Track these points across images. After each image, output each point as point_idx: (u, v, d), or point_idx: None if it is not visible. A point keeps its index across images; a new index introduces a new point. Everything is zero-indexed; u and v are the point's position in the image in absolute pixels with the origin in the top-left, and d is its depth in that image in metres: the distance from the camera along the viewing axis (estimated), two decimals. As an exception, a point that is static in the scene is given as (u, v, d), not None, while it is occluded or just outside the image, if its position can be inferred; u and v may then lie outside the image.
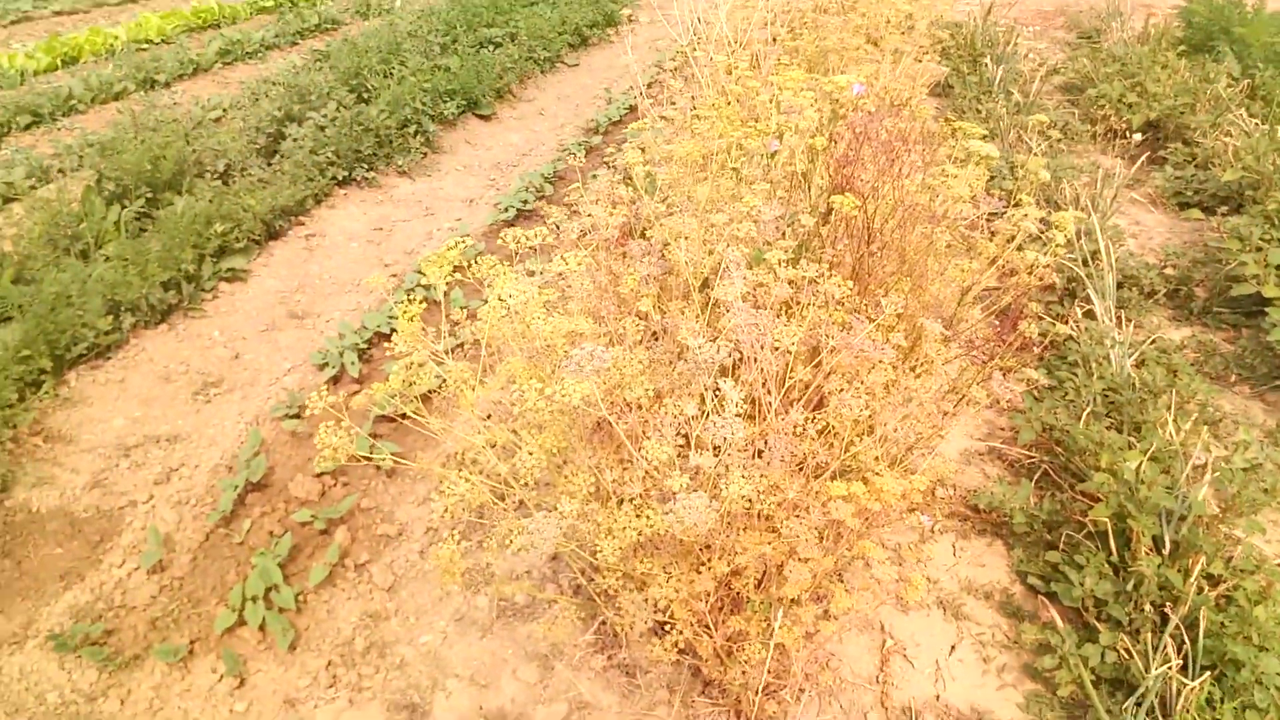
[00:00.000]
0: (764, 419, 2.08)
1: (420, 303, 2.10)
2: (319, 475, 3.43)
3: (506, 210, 5.62)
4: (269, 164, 5.78)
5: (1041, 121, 3.40)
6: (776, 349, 1.97)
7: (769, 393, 2.04)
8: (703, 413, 1.91)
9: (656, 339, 2.31)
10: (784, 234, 2.43)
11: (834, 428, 2.03)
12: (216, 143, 5.65)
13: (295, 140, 5.86)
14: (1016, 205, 2.49)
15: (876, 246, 2.39)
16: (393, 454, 2.29)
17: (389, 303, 4.55)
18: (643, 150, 2.95)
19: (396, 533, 3.22)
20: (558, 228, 2.48)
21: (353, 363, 4.01)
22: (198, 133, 5.83)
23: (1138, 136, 6.23)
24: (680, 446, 1.95)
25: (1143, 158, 5.84)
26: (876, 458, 2.13)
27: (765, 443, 1.98)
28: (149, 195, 5.05)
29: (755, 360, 1.97)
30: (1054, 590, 2.79)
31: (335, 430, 1.92)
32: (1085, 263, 4.16)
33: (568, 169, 6.40)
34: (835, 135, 2.74)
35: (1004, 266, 2.48)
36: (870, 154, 2.35)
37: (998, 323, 2.41)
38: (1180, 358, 3.82)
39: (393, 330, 2.07)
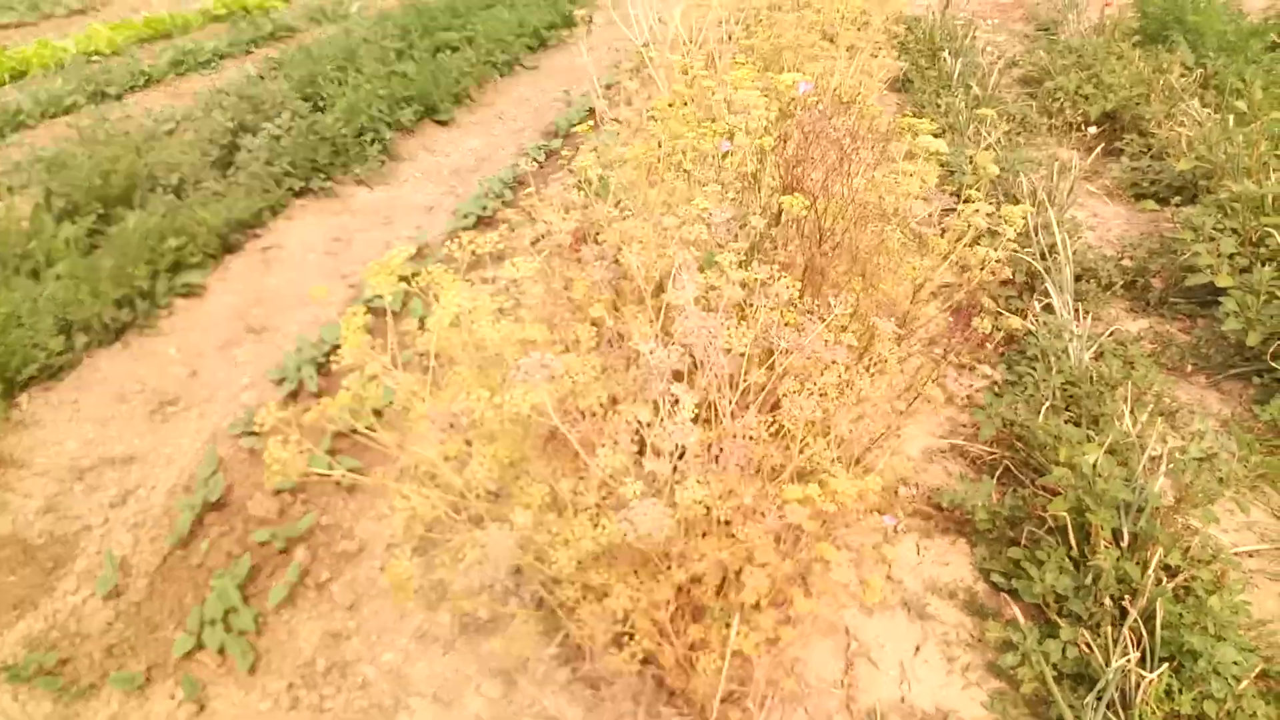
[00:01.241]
0: (719, 423, 2.06)
1: (366, 313, 2.06)
2: (278, 493, 3.37)
3: (466, 217, 5.57)
4: (224, 176, 5.68)
5: (989, 114, 3.40)
6: (729, 352, 1.95)
7: (723, 397, 2.02)
8: (657, 418, 1.89)
9: (611, 345, 2.29)
10: (735, 236, 2.42)
11: (789, 430, 2.02)
12: (169, 156, 5.55)
13: (250, 151, 5.78)
14: (968, 201, 2.49)
15: (828, 246, 2.38)
16: (351, 469, 2.25)
17: (347, 315, 4.49)
18: (597, 154, 2.92)
19: (357, 549, 3.18)
20: (511, 232, 2.45)
21: (311, 377, 3.95)
22: (150, 146, 5.73)
23: (1093, 129, 6.28)
24: (635, 453, 1.93)
25: (1099, 149, 5.88)
26: (833, 459, 2.12)
27: (721, 447, 1.97)
28: (100, 211, 4.96)
29: (708, 364, 1.95)
30: (1016, 587, 2.79)
31: (284, 445, 1.88)
32: (1043, 256, 4.18)
33: (528, 174, 6.36)
34: (785, 135, 2.73)
35: (957, 263, 2.47)
36: (820, 153, 2.33)
37: (952, 319, 2.41)
38: (1137, 349, 3.85)
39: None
